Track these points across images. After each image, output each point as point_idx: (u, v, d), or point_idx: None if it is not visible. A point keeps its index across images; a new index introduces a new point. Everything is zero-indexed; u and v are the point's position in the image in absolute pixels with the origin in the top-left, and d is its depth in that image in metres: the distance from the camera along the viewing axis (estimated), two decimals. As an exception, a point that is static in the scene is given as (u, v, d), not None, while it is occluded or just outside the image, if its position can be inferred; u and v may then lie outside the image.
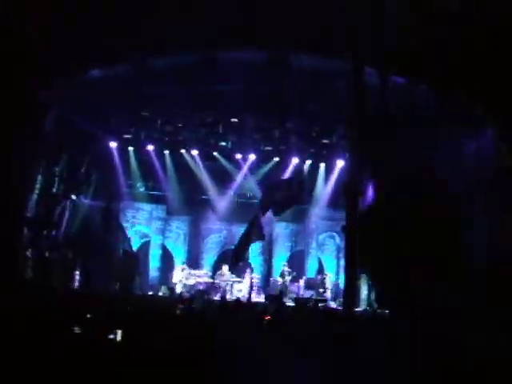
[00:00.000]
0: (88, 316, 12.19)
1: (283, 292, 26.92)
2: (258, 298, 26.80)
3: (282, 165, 29.63)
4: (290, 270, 28.34)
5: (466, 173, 23.37)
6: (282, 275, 28.19)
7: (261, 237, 24.64)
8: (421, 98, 22.56)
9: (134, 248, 29.35)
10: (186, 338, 8.95)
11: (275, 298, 23.45)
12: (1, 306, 10.35)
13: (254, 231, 24.33)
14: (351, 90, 13.61)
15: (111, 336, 9.59)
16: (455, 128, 24.31)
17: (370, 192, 26.23)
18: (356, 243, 12.04)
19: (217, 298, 25.57)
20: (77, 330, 9.58)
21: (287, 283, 27.84)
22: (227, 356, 6.67)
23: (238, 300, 20.61)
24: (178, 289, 27.08)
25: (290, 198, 23.97)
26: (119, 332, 9.64)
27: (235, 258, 25.32)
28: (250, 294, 25.82)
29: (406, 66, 19.33)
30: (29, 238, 24.39)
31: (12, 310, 9.64)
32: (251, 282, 26.72)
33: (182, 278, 27.73)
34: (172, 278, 28.30)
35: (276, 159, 29.65)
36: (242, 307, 17.07)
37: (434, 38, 16.89)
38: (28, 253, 23.98)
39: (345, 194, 12.45)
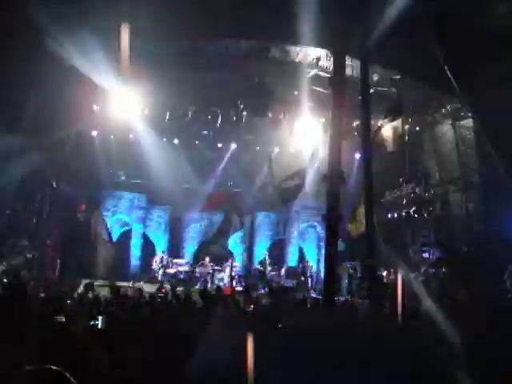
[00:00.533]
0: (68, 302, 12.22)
1: (262, 282, 27.06)
2: (238, 286, 26.85)
3: (263, 154, 29.66)
4: (269, 259, 28.45)
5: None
6: (263, 264, 28.23)
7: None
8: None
9: (115, 237, 29.34)
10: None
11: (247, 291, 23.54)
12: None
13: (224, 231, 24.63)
14: (331, 80, 13.61)
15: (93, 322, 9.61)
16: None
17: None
18: (337, 231, 12.06)
19: (197, 287, 25.59)
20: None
21: (267, 272, 27.88)
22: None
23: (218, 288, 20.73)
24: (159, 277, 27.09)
25: (298, 186, 24.08)
26: (100, 318, 9.65)
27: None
28: (231, 283, 25.87)
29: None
30: (7, 225, 24.30)
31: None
32: (231, 271, 26.75)
33: (162, 266, 27.74)
34: (153, 266, 28.24)
35: (257, 148, 29.72)
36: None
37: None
38: (8, 241, 23.89)
39: (325, 182, 12.43)
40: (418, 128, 27.02)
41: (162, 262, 27.95)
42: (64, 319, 9.42)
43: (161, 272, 27.38)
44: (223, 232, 26.49)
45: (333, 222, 11.98)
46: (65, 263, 25.52)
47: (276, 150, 29.60)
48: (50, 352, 6.57)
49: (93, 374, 6.35)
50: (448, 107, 25.53)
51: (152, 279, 26.71)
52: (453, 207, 26.76)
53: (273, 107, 26.55)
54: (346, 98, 12.80)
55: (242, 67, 24.18)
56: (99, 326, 9.66)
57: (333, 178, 12.13)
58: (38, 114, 23.21)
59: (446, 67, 17.13)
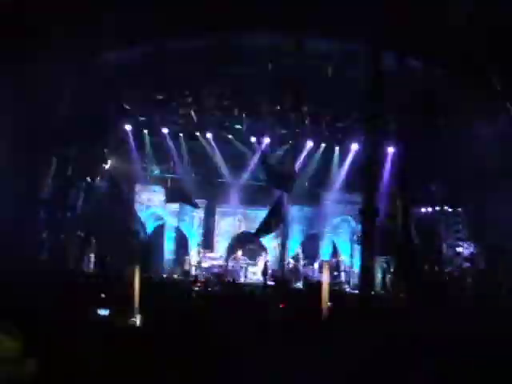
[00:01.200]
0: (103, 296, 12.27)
1: (295, 275, 27.10)
2: (271, 281, 26.97)
3: (297, 148, 29.63)
4: (303, 254, 28.45)
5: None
6: (296, 258, 28.22)
7: (282, 219, 24.87)
8: (436, 84, 22.54)
9: (149, 231, 29.51)
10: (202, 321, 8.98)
11: (282, 284, 23.53)
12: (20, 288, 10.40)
13: (280, 213, 24.53)
14: (368, 73, 13.55)
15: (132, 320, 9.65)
16: (471, 111, 24.25)
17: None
18: (373, 226, 12.01)
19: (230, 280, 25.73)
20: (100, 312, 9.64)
21: (300, 266, 27.88)
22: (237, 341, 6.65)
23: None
24: (193, 271, 27.22)
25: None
26: (138, 317, 9.69)
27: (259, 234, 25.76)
28: (265, 277, 25.94)
29: (421, 49, 19.24)
30: (44, 220, 24.51)
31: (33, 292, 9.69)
32: (265, 266, 26.80)
33: (198, 260, 27.90)
34: (187, 260, 28.34)
35: (290, 142, 29.71)
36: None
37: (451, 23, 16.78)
38: (44, 235, 24.12)
39: (362, 178, 12.41)
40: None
41: (198, 255, 28.16)
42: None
43: (194, 266, 27.54)
44: (268, 227, 26.46)
45: (369, 216, 11.95)
46: (99, 257, 25.74)
47: (309, 144, 29.55)
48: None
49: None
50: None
51: (186, 273, 26.85)
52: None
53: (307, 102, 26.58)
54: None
55: (274, 61, 24.15)
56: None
57: (369, 169, 12.11)
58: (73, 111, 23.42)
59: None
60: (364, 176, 12.29)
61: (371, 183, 12.06)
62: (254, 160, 29.76)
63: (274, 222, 25.77)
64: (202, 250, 28.68)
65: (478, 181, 25.10)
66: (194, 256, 28.35)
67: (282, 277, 26.25)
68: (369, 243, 11.91)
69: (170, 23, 19.53)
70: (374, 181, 12.10)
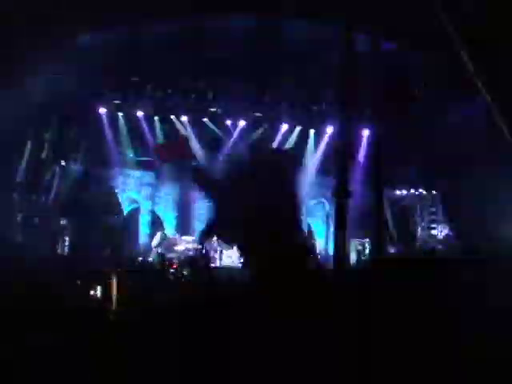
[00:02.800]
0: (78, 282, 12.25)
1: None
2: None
3: (272, 131, 29.64)
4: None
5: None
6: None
7: None
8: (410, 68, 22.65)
9: (124, 214, 29.46)
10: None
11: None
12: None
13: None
14: (342, 56, 13.55)
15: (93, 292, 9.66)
16: (447, 94, 24.37)
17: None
18: (345, 208, 12.03)
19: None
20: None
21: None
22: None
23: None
24: (168, 255, 27.16)
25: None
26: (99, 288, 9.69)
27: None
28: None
29: (396, 33, 19.29)
30: (18, 202, 24.42)
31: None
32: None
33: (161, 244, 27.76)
34: (161, 243, 28.29)
35: (265, 125, 29.69)
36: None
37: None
38: (18, 218, 24.04)
39: (336, 157, 12.44)
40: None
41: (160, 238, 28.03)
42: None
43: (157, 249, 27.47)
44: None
45: (342, 198, 11.97)
46: (74, 240, 25.66)
47: (284, 127, 29.58)
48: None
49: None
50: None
51: (160, 256, 26.82)
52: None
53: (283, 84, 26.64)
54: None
55: (248, 44, 24.15)
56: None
57: (342, 153, 12.13)
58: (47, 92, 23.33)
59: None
60: (337, 157, 12.30)
61: (344, 164, 12.07)
62: (230, 143, 29.76)
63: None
64: (176, 234, 28.64)
65: (453, 164, 25.28)
66: (157, 239, 28.22)
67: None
68: (342, 224, 11.94)
69: (144, 6, 19.49)
70: (346, 162, 12.11)
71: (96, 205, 27.06)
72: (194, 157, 27.60)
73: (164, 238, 27.82)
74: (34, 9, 18.00)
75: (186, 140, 27.52)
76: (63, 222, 25.95)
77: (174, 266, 20.72)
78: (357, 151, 25.35)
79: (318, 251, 28.43)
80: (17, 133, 23.25)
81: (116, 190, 29.38)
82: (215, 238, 27.65)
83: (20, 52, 19.46)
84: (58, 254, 24.32)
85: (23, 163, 24.34)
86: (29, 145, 24.48)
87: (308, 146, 30.31)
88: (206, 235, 26.33)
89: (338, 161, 12.29)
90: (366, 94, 20.26)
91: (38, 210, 25.11)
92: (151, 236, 28.91)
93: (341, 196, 12.32)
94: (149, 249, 28.10)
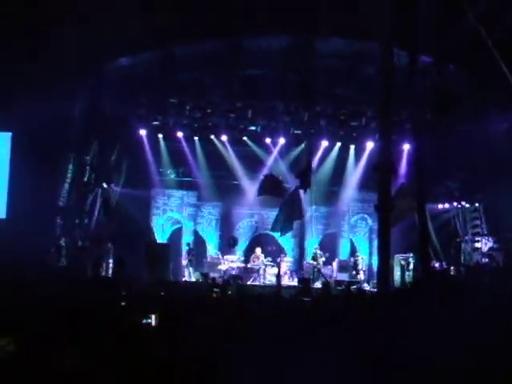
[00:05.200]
0: (122, 304, 12.26)
1: (315, 276, 27.02)
2: (291, 281, 27.02)
3: (312, 148, 29.61)
4: (321, 252, 28.31)
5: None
6: (315, 258, 28.12)
7: (300, 215, 24.70)
8: (449, 79, 22.48)
9: (167, 235, 29.63)
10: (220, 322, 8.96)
11: (307, 281, 23.44)
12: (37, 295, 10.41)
13: (294, 209, 24.40)
14: (380, 71, 13.54)
15: (146, 320, 9.63)
16: (484, 107, 24.19)
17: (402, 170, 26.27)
18: (388, 222, 12.00)
19: (250, 282, 25.82)
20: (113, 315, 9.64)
21: (320, 266, 27.78)
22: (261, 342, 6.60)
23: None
24: (211, 274, 27.18)
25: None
26: (153, 317, 9.68)
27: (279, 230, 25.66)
28: (278, 278, 25.85)
29: (433, 46, 19.21)
30: (62, 226, 24.64)
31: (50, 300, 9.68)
32: (279, 266, 26.66)
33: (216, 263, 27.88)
34: (205, 263, 28.37)
35: (305, 143, 29.68)
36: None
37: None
38: (61, 242, 24.24)
39: (377, 173, 12.40)
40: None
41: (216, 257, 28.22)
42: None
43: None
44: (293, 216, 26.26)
45: (385, 212, 11.95)
46: (118, 262, 25.79)
47: (324, 143, 29.56)
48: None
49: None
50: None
51: (204, 275, 26.83)
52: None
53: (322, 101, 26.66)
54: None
55: (286, 62, 24.21)
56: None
57: (383, 168, 12.10)
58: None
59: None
60: (378, 172, 12.27)
61: (385, 178, 12.04)
62: (270, 161, 29.80)
63: (288, 217, 25.63)
64: (219, 253, 28.70)
65: (494, 176, 25.05)
66: (211, 259, 28.38)
67: (303, 277, 26.19)
68: (385, 239, 11.89)
69: (182, 27, 19.61)
70: (388, 177, 12.07)
71: (138, 228, 27.26)
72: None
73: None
74: (75, 27, 18.24)
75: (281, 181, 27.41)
76: (106, 244, 26.15)
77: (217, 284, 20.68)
78: (398, 165, 25.20)
79: (361, 267, 28.24)
80: (58, 157, 23.50)
81: (158, 211, 29.57)
82: (260, 253, 27.69)
83: (59, 75, 19.68)
84: (102, 276, 24.43)
85: (65, 187, 24.56)
86: (70, 168, 24.70)
87: (348, 162, 30.26)
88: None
89: (380, 175, 12.31)
90: (405, 108, 20.28)
91: (81, 234, 25.30)
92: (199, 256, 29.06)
93: (383, 209, 12.32)
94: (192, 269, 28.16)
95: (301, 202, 25.53)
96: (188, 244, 28.80)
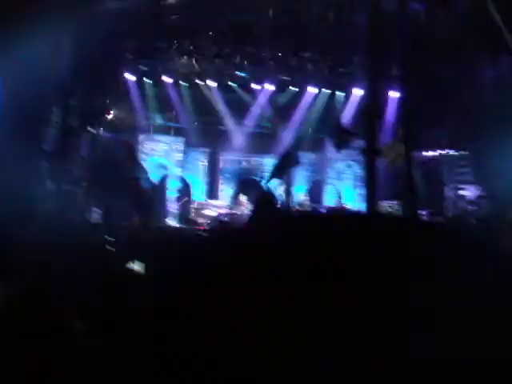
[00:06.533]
0: (108, 247, 12.30)
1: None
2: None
3: (300, 94, 29.60)
4: (308, 199, 28.41)
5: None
6: (301, 205, 28.21)
7: (297, 162, 24.69)
8: (438, 25, 22.40)
9: (153, 180, 29.59)
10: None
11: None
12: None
13: (293, 157, 24.38)
14: (369, 16, 13.45)
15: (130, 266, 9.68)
16: (473, 54, 24.12)
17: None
18: (374, 166, 12.00)
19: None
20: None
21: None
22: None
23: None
24: (197, 220, 27.24)
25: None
26: (138, 263, 9.72)
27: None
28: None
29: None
30: (47, 171, 24.58)
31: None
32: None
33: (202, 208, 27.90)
34: (191, 209, 28.39)
35: (293, 89, 29.60)
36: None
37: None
38: (47, 186, 24.20)
39: (364, 117, 12.41)
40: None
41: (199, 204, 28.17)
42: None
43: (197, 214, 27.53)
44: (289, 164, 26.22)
45: (371, 156, 11.94)
46: (104, 207, 25.85)
47: (312, 90, 29.51)
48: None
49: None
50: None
51: (190, 221, 26.90)
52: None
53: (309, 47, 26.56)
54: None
55: (274, 7, 24.05)
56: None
57: (370, 112, 12.08)
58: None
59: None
60: (365, 117, 12.27)
61: (373, 123, 12.03)
62: (257, 107, 29.73)
63: (286, 165, 25.60)
64: (206, 199, 28.78)
65: (482, 124, 25.06)
66: (198, 205, 28.38)
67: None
68: (371, 183, 11.90)
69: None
70: (374, 120, 12.07)
71: (125, 172, 27.21)
72: None
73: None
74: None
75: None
76: (93, 190, 26.13)
77: (202, 228, 20.76)
78: (385, 112, 25.18)
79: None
80: (44, 101, 23.34)
81: (145, 157, 29.52)
82: (245, 200, 27.70)
83: (46, 19, 19.47)
84: (89, 221, 24.48)
85: (50, 131, 24.44)
86: (56, 112, 24.55)
87: (336, 109, 30.23)
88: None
89: (367, 119, 12.29)
90: (393, 55, 20.22)
91: (68, 178, 25.24)
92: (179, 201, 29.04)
93: (370, 153, 12.30)
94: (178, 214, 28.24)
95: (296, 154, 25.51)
96: (179, 191, 28.89)
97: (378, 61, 12.63)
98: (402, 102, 13.31)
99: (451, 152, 28.15)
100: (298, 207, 28.29)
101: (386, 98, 26.60)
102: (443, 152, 28.40)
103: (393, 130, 24.03)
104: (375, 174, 12.16)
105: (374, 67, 12.39)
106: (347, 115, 29.60)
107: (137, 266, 9.78)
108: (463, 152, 27.80)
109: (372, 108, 12.07)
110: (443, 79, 25.38)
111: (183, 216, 27.83)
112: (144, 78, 28.79)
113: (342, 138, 23.28)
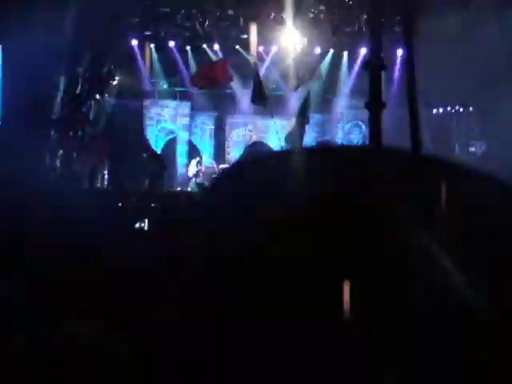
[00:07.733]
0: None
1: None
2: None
3: (305, 56, 29.47)
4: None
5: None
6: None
7: (308, 120, 24.49)
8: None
9: (161, 145, 29.60)
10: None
11: None
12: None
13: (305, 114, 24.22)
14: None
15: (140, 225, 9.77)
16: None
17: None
18: (380, 121, 11.95)
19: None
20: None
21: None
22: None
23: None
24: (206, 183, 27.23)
25: None
26: (146, 221, 9.80)
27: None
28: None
29: None
30: (55, 139, 24.59)
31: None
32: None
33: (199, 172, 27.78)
34: (199, 173, 28.35)
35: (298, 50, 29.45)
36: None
37: None
38: (56, 154, 24.25)
39: (367, 70, 12.30)
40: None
41: (196, 166, 27.94)
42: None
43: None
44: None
45: (376, 109, 11.89)
46: (112, 173, 25.95)
47: (317, 50, 29.40)
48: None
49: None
50: None
51: (199, 185, 26.93)
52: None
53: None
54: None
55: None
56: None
57: (374, 65, 12.01)
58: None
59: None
60: (370, 69, 12.21)
61: (377, 76, 11.95)
62: (263, 69, 29.55)
63: (301, 124, 25.34)
64: (214, 163, 28.75)
65: (489, 80, 24.90)
66: (193, 167, 28.16)
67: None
68: (377, 136, 11.86)
69: None
70: (379, 73, 12.00)
71: (132, 138, 27.23)
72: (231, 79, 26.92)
73: (199, 163, 27.83)
74: None
75: (224, 63, 26.86)
76: (100, 156, 26.17)
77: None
78: (390, 66, 25.06)
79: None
80: (49, 68, 23.29)
81: (151, 122, 29.50)
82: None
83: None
84: (97, 187, 24.57)
85: (58, 99, 24.41)
86: (62, 80, 24.52)
87: (342, 69, 30.11)
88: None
89: (370, 72, 12.22)
90: (398, 11, 20.07)
91: (76, 146, 25.28)
92: (188, 166, 29.00)
93: (375, 106, 12.26)
94: (187, 179, 28.22)
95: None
96: (187, 155, 29.00)
97: (381, 14, 12.53)
98: (406, 58, 13.17)
99: (459, 108, 28.07)
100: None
101: (391, 56, 26.47)
102: (451, 109, 28.32)
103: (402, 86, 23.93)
104: (380, 129, 12.11)
105: (377, 20, 12.28)
106: (353, 75, 29.55)
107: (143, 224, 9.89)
108: (471, 108, 27.71)
109: (375, 60, 11.98)
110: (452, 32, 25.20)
111: (192, 180, 27.82)
112: (148, 43, 28.64)
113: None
